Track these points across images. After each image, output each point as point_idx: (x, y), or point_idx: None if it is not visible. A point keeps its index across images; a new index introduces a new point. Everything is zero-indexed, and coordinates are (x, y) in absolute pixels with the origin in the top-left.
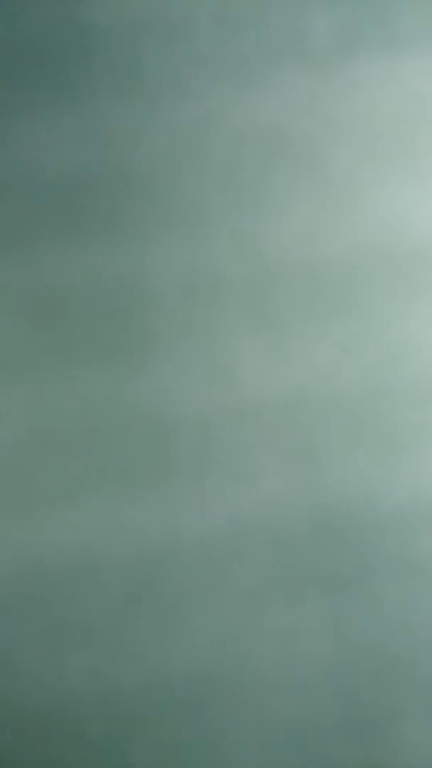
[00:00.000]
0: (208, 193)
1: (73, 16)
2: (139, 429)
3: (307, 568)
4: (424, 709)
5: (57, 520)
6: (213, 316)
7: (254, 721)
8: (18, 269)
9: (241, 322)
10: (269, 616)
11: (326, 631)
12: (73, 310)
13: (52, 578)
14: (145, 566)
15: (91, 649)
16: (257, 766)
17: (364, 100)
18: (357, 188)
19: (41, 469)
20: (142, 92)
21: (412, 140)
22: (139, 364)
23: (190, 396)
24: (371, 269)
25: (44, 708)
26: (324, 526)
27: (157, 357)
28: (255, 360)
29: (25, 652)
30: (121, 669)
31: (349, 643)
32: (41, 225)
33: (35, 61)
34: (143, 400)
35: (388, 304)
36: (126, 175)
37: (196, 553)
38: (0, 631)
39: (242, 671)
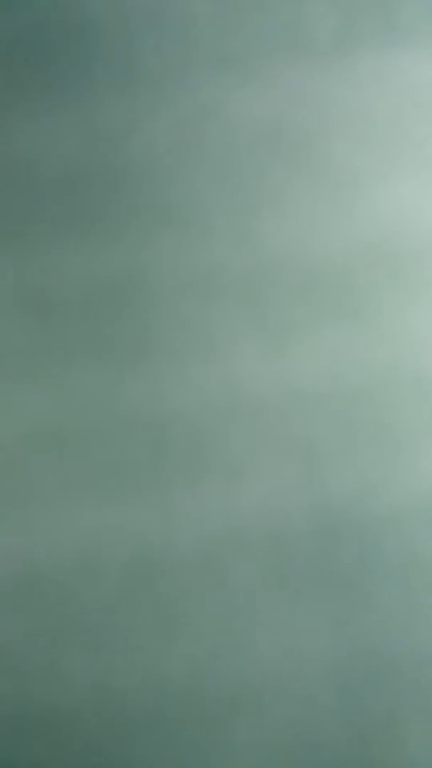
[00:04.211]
0: (205, 189)
1: (69, 9)
2: (136, 428)
3: (307, 569)
4: (425, 710)
5: (52, 520)
6: (211, 314)
7: (253, 722)
8: (12, 266)
9: (240, 320)
10: (268, 617)
11: (326, 631)
12: (68, 308)
13: (48, 579)
14: (142, 566)
15: (88, 650)
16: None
17: (363, 94)
18: (356, 183)
19: (35, 468)
20: (138, 87)
21: (412, 135)
22: (136, 363)
23: (187, 395)
24: (371, 266)
25: (40, 709)
26: (323, 527)
27: (155, 355)
28: (253, 359)
29: (21, 653)
30: (118, 670)
31: (348, 643)
32: (36, 221)
33: (31, 55)
34: (140, 399)
35: (388, 302)
36: (122, 171)
37: (194, 552)
38: None
39: (241, 672)
